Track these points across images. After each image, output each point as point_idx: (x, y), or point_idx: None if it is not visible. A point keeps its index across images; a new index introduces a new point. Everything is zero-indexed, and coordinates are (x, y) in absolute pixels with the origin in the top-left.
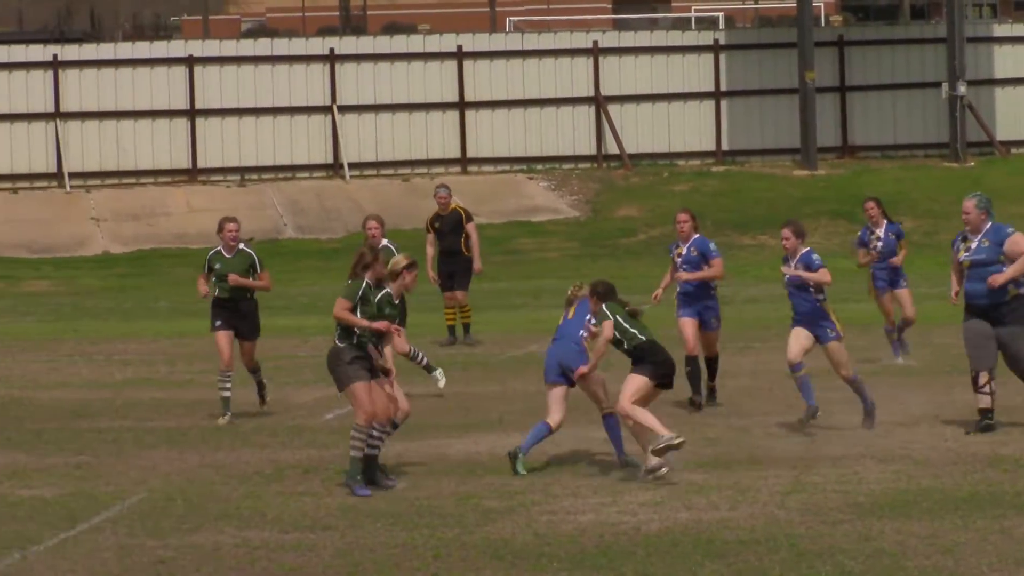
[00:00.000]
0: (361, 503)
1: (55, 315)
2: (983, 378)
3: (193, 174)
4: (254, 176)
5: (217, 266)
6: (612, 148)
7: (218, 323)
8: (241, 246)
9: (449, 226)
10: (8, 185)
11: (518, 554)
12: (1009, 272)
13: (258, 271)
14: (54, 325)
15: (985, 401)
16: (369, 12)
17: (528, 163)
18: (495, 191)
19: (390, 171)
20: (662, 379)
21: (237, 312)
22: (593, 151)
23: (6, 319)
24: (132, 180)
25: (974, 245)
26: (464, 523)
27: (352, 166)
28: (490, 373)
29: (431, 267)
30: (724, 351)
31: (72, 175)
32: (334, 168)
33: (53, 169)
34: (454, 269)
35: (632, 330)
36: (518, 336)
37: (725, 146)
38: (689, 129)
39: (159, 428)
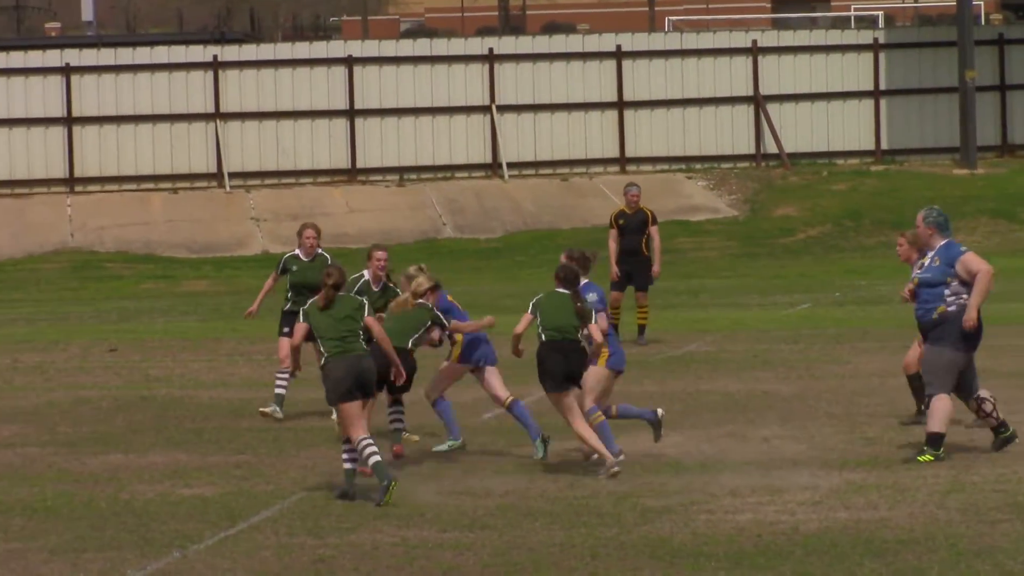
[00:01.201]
0: (520, 502)
1: (215, 314)
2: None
3: (352, 174)
4: (413, 176)
5: (293, 268)
6: (771, 147)
7: (286, 330)
8: (319, 251)
9: (634, 225)
10: (168, 185)
11: (676, 553)
12: (974, 304)
13: None
14: (214, 324)
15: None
16: (528, 12)
17: (687, 162)
18: (654, 190)
19: (548, 171)
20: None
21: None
22: (752, 150)
23: (166, 318)
24: (291, 180)
25: (926, 262)
26: (622, 522)
27: (511, 166)
28: (648, 372)
29: (614, 262)
30: (882, 351)
31: (232, 175)
32: (493, 168)
33: (213, 169)
34: (633, 269)
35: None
36: (676, 335)
37: (884, 145)
38: (848, 128)
39: (318, 427)
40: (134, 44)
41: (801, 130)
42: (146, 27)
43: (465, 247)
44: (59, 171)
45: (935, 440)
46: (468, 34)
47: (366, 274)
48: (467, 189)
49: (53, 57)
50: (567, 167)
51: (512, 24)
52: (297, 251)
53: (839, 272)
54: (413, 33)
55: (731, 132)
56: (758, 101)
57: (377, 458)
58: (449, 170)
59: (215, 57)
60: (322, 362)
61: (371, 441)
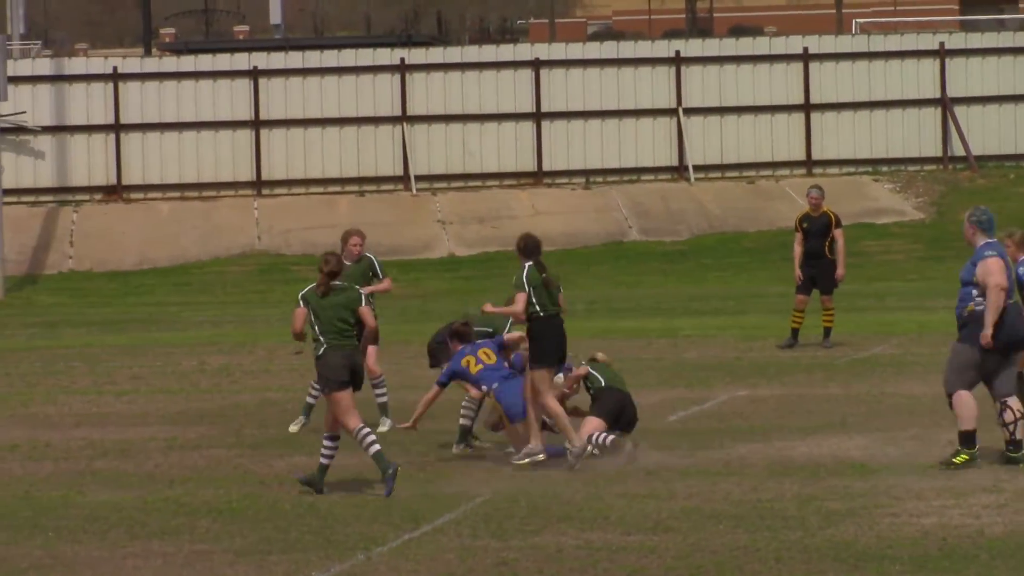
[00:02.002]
0: (704, 505)
1: (401, 317)
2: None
3: (538, 176)
4: (599, 178)
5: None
6: (958, 150)
7: None
8: (365, 254)
9: (817, 228)
10: (355, 188)
11: (860, 556)
12: (988, 322)
13: (379, 276)
14: (400, 327)
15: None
16: (715, 14)
17: (873, 165)
18: (840, 193)
19: (735, 173)
20: None
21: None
22: (939, 153)
23: None
24: (477, 183)
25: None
26: (806, 525)
27: (697, 168)
28: (833, 375)
29: (798, 265)
30: None
31: (418, 178)
32: (679, 170)
33: (399, 172)
34: (816, 272)
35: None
36: (862, 338)
37: None
38: None
39: (499, 433)
40: (321, 47)
41: (988, 132)
42: (333, 30)
43: (651, 250)
44: (246, 174)
45: (966, 439)
46: (655, 36)
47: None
48: (653, 192)
49: (241, 60)
50: (753, 169)
51: (699, 27)
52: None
53: None
54: (600, 36)
55: (918, 134)
56: (945, 103)
57: (377, 447)
58: (635, 172)
59: (402, 60)
60: (320, 352)
61: (369, 430)
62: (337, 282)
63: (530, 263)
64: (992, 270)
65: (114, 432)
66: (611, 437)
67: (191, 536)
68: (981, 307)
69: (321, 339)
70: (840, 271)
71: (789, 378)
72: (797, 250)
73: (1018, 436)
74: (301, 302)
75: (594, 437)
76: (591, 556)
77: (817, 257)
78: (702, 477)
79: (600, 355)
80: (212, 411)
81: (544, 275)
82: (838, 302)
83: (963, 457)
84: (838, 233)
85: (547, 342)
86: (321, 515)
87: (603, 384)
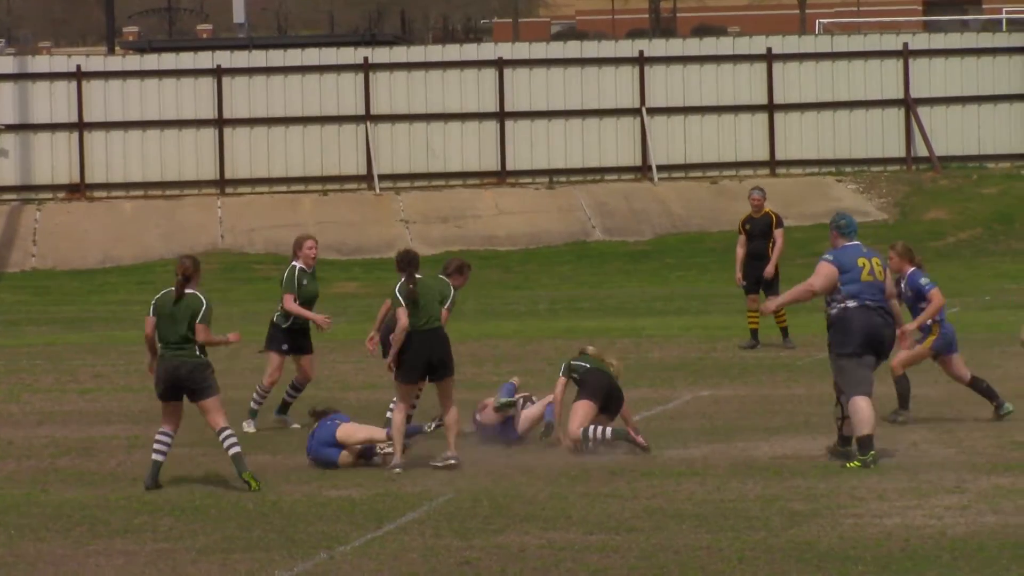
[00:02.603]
0: (667, 505)
1: (364, 316)
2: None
3: (502, 176)
4: (562, 178)
5: (305, 282)
6: (921, 150)
7: (284, 347)
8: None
9: (759, 229)
10: (318, 187)
11: (823, 557)
12: (783, 300)
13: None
14: (363, 326)
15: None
16: (679, 14)
17: (836, 165)
18: (803, 193)
19: (698, 173)
20: None
21: (303, 331)
22: (902, 153)
23: None
24: (441, 182)
25: None
26: (770, 526)
27: (660, 168)
28: (796, 376)
29: (739, 268)
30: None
31: (381, 177)
32: (642, 170)
33: (363, 171)
34: (760, 274)
35: None
36: (825, 339)
37: None
38: (999, 131)
39: (465, 430)
40: (285, 46)
41: (952, 133)
42: (297, 29)
43: (614, 250)
44: (210, 173)
45: (863, 443)
46: (618, 36)
47: (297, 264)
48: (616, 192)
49: (205, 59)
50: (716, 170)
51: (662, 26)
52: (298, 263)
53: (989, 276)
54: (563, 35)
55: (881, 135)
56: (909, 104)
57: (237, 448)
58: (598, 172)
59: (366, 59)
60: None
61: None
62: (190, 290)
63: (403, 278)
64: (817, 272)
65: (77, 430)
66: (608, 430)
67: (154, 534)
68: (834, 310)
69: (159, 346)
70: (769, 268)
71: (752, 378)
72: (739, 252)
73: (846, 433)
74: (152, 309)
75: (591, 432)
76: (554, 556)
77: (760, 258)
78: (665, 477)
79: (591, 348)
80: None
81: (411, 287)
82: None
83: (856, 463)
84: (779, 233)
85: (407, 356)
86: (284, 514)
87: (588, 366)
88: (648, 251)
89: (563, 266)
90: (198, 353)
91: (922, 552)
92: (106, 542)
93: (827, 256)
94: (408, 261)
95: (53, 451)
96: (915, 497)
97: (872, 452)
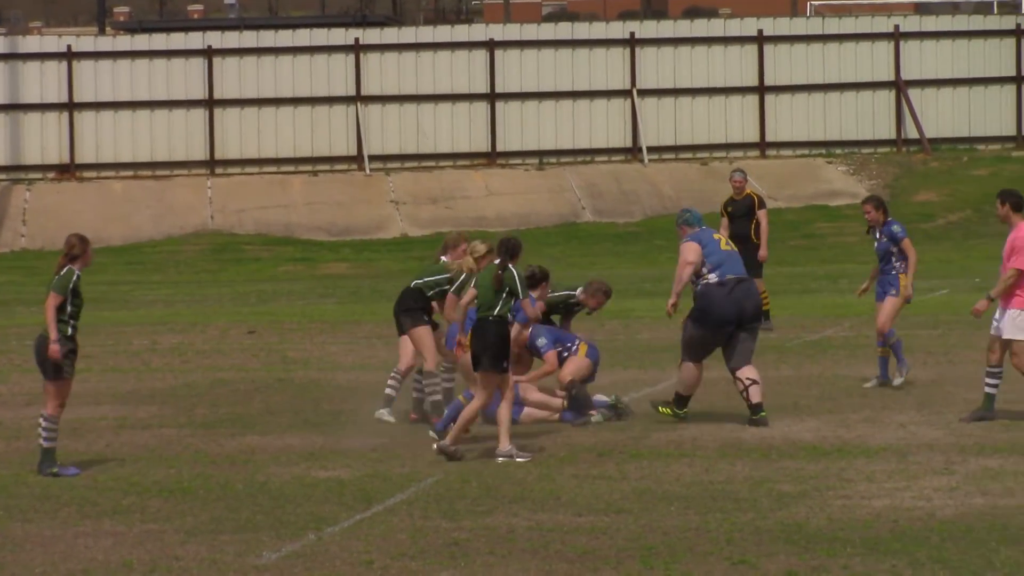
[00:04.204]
0: (656, 486)
1: (353, 297)
2: None
3: (492, 158)
4: (552, 160)
5: None
6: (911, 132)
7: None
8: None
9: (741, 211)
10: (308, 168)
11: (812, 538)
12: (673, 291)
13: None
14: (352, 307)
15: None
16: None
17: (827, 147)
18: (793, 175)
19: (688, 155)
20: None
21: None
22: (892, 135)
23: (305, 301)
24: (431, 163)
25: None
26: (758, 507)
27: (651, 150)
28: (784, 357)
29: None
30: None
31: (372, 158)
32: (632, 152)
33: (353, 152)
34: (743, 256)
35: None
36: (814, 320)
37: None
38: (989, 113)
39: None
40: (276, 27)
41: (942, 115)
42: (288, 10)
43: (604, 231)
44: (200, 153)
45: (679, 400)
46: (610, 18)
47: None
48: (606, 173)
49: (195, 39)
50: (707, 151)
51: (654, 8)
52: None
53: (979, 258)
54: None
55: (872, 117)
56: (899, 86)
57: (45, 444)
58: (589, 154)
59: (356, 40)
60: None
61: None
62: (77, 268)
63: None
64: (683, 252)
65: (65, 411)
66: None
67: (142, 515)
68: (699, 287)
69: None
70: (762, 252)
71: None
72: (723, 235)
73: (754, 400)
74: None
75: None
76: (543, 537)
77: (743, 240)
78: (654, 458)
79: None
80: (163, 391)
81: (499, 274)
82: (792, 284)
83: (667, 411)
84: (762, 214)
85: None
86: (272, 495)
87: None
88: (638, 232)
89: (553, 247)
90: (67, 333)
91: (911, 534)
92: (94, 523)
93: (684, 239)
94: (514, 248)
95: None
96: (904, 479)
97: (685, 410)
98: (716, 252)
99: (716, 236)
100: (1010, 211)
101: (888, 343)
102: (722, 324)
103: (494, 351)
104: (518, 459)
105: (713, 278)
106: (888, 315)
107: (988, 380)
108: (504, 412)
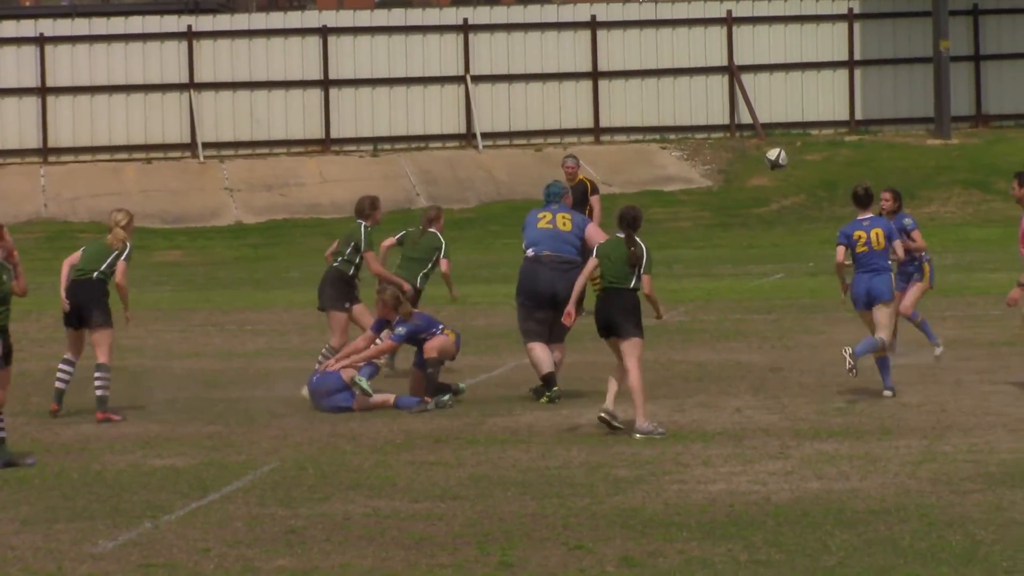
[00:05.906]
0: (492, 472)
1: (188, 285)
2: None
3: (326, 144)
4: (387, 146)
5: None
6: (745, 118)
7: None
8: None
9: (575, 197)
10: (142, 155)
11: (648, 523)
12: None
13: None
14: (187, 295)
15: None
16: None
17: (661, 133)
18: (628, 161)
19: (523, 141)
20: None
21: None
22: (726, 121)
23: (139, 289)
24: (265, 151)
25: None
26: (594, 492)
27: (485, 136)
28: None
29: None
30: (855, 321)
31: (206, 145)
32: (467, 138)
33: (187, 140)
34: None
35: None
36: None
37: (859, 115)
38: (823, 98)
39: (291, 398)
40: (108, 14)
41: (775, 100)
42: None
43: None
44: (33, 141)
45: (547, 380)
46: (443, 4)
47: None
48: (441, 159)
49: (27, 27)
50: (541, 137)
51: None
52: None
53: (813, 242)
54: (388, 3)
55: (705, 102)
56: (733, 71)
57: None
58: (423, 140)
59: (189, 27)
60: None
61: None
62: None
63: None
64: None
65: None
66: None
67: None
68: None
69: None
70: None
71: (578, 345)
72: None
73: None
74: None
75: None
76: (379, 524)
77: None
78: (490, 444)
79: None
80: None
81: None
82: None
83: (544, 399)
84: (595, 200)
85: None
86: (108, 483)
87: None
88: (473, 218)
89: (388, 234)
90: None
91: (747, 518)
92: None
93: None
94: (634, 219)
95: None
96: (740, 463)
97: (556, 388)
98: (533, 231)
99: (541, 215)
100: None
101: (915, 323)
102: (536, 300)
103: (635, 319)
104: (657, 435)
105: (530, 253)
106: (912, 299)
107: None
108: (636, 383)
